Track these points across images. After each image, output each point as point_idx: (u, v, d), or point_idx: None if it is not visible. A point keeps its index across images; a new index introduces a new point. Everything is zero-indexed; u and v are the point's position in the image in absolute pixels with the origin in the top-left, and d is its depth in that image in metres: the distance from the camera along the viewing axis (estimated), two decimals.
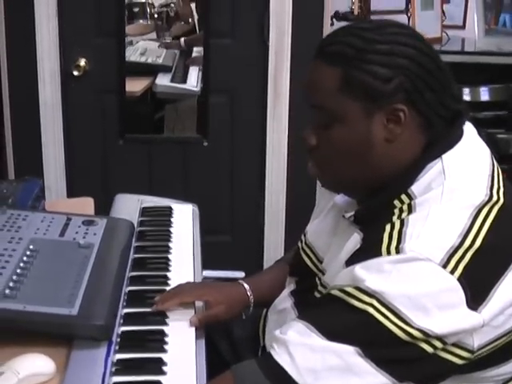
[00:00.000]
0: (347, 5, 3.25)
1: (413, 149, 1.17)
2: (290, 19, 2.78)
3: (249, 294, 1.47)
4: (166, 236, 1.71)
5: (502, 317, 1.08)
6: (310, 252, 1.38)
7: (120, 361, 1.21)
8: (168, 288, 1.45)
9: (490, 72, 3.11)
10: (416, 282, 1.04)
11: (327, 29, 2.78)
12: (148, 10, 3.08)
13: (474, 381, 1.16)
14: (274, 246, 3.03)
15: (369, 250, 1.11)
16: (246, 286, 1.48)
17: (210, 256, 1.75)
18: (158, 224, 1.79)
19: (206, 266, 1.66)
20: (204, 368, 1.22)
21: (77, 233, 1.53)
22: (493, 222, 1.10)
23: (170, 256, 1.61)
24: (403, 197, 1.15)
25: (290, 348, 1.08)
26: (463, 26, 3.48)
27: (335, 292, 1.10)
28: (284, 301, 1.40)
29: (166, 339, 1.28)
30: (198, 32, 3.08)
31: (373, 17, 3.17)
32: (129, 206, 1.86)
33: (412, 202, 1.14)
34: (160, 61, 3.09)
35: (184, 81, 3.08)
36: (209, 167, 2.98)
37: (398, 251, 1.07)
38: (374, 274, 1.06)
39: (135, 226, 1.71)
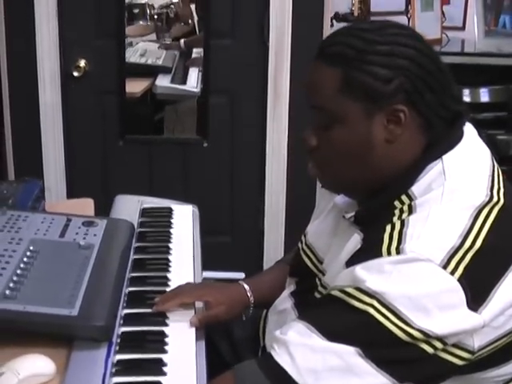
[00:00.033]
0: (347, 6, 3.25)
1: (413, 149, 1.17)
2: (290, 20, 2.78)
3: (249, 294, 1.47)
4: (166, 237, 1.71)
5: (502, 317, 1.08)
6: (310, 253, 1.38)
7: (120, 361, 1.21)
8: (168, 289, 1.45)
9: (490, 73, 3.11)
10: (416, 282, 1.04)
11: (327, 30, 2.78)
12: (148, 12, 3.08)
13: (474, 382, 1.16)
14: (273, 247, 3.03)
15: (369, 250, 1.11)
16: (246, 286, 1.48)
17: (209, 257, 1.74)
18: (158, 225, 1.78)
19: (205, 266, 1.66)
20: (204, 368, 1.22)
21: (77, 234, 1.53)
22: (493, 223, 1.10)
23: (170, 257, 1.61)
24: (403, 197, 1.15)
25: (290, 348, 1.08)
26: (463, 28, 3.48)
27: (335, 292, 1.10)
28: (284, 301, 1.40)
29: (166, 340, 1.27)
30: (198, 33, 3.08)
31: (373, 18, 3.17)
32: (129, 207, 1.86)
33: (412, 203, 1.14)
34: (160, 62, 3.09)
35: (184, 82, 3.08)
36: (209, 168, 2.98)
37: (398, 252, 1.07)
38: (375, 275, 1.06)
39: (135, 226, 1.71)
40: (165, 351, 1.24)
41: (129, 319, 1.34)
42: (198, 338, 1.31)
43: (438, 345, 1.04)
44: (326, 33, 2.75)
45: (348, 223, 1.24)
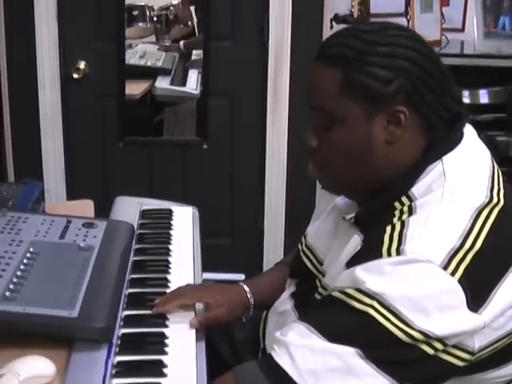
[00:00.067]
0: (347, 7, 3.25)
1: (413, 151, 1.17)
2: (290, 22, 2.78)
3: (249, 296, 1.47)
4: (166, 238, 1.71)
5: (502, 318, 1.08)
6: (311, 254, 1.38)
7: (120, 363, 1.21)
8: (168, 290, 1.45)
9: (490, 75, 3.11)
10: (417, 283, 1.04)
11: (327, 32, 2.78)
12: (147, 13, 3.08)
13: (474, 383, 1.16)
14: (273, 249, 3.03)
15: (369, 251, 1.11)
16: (246, 288, 1.48)
17: (209, 259, 1.74)
18: (157, 226, 1.78)
19: (205, 268, 1.65)
20: (204, 370, 1.21)
21: (77, 235, 1.53)
22: (493, 224, 1.10)
23: (170, 258, 1.61)
24: (404, 199, 1.15)
25: (290, 349, 1.08)
26: (462, 29, 3.48)
27: (336, 294, 1.10)
28: (284, 303, 1.40)
29: (167, 341, 1.27)
30: (197, 35, 3.08)
31: (372, 19, 3.17)
32: (129, 209, 1.86)
33: (412, 204, 1.14)
34: (159, 64, 3.09)
35: (183, 84, 3.08)
36: (208, 170, 2.98)
37: (398, 253, 1.07)
38: (375, 276, 1.06)
39: (135, 228, 1.71)
40: (165, 353, 1.24)
41: (129, 321, 1.34)
42: (198, 340, 1.31)
43: (439, 346, 1.04)
44: (325, 35, 2.75)
45: (348, 224, 1.24)
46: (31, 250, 1.42)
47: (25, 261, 1.38)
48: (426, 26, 3.16)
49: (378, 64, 1.12)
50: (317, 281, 1.32)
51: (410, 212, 1.13)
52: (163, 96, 3.10)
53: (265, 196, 2.98)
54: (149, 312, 1.37)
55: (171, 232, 1.75)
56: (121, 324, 1.32)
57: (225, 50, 2.86)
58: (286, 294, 1.42)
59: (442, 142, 1.18)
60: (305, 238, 1.43)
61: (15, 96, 2.81)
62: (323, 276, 1.30)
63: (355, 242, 1.19)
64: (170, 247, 1.67)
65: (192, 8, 3.12)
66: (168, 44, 3.13)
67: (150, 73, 3.08)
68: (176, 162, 2.97)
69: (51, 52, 2.78)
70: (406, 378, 1.06)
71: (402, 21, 3.16)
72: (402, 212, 1.14)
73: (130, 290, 1.45)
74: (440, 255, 1.05)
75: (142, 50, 3.09)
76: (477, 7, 3.34)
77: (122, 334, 1.29)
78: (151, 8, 3.09)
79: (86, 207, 1.91)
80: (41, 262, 1.39)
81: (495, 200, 1.13)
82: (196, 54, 3.06)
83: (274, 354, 1.10)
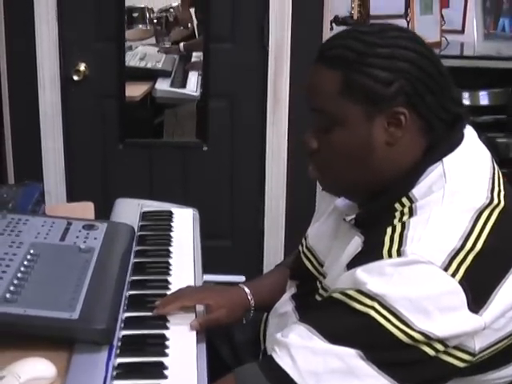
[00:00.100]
0: (347, 9, 3.26)
1: (413, 152, 1.17)
2: (290, 24, 2.79)
3: (249, 297, 1.46)
4: (167, 240, 1.71)
5: (503, 319, 1.08)
6: (311, 255, 1.38)
7: (121, 365, 1.21)
8: (169, 292, 1.45)
9: (489, 76, 3.12)
10: (417, 284, 1.04)
11: (327, 33, 2.79)
12: (147, 15, 3.09)
13: None
14: (273, 251, 3.03)
15: (370, 253, 1.11)
16: (246, 289, 1.47)
17: (210, 260, 1.74)
18: (158, 228, 1.78)
19: (206, 270, 1.65)
20: (205, 371, 1.21)
21: (77, 237, 1.53)
22: (494, 225, 1.10)
23: (170, 260, 1.61)
24: (404, 200, 1.15)
25: (291, 351, 1.08)
26: (462, 31, 3.49)
27: (337, 295, 1.10)
28: (285, 304, 1.40)
29: (167, 343, 1.27)
30: (197, 37, 3.09)
31: (372, 21, 3.17)
32: (129, 211, 1.86)
33: (413, 205, 1.14)
34: (159, 66, 3.10)
35: (183, 86, 3.09)
36: (209, 172, 2.98)
37: (399, 254, 1.07)
38: (376, 277, 1.06)
39: (135, 230, 1.71)
40: (165, 354, 1.24)
41: (129, 322, 1.34)
42: (198, 342, 1.31)
43: (439, 347, 1.04)
44: (325, 36, 2.75)
45: (349, 226, 1.24)
46: (31, 251, 1.42)
47: (25, 263, 1.38)
48: (426, 28, 3.16)
49: (378, 65, 1.12)
50: (317, 282, 1.32)
51: (411, 213, 1.14)
52: (163, 98, 3.10)
53: (265, 197, 2.98)
54: (149, 314, 1.36)
55: (171, 234, 1.75)
56: (121, 326, 1.32)
57: (225, 52, 2.86)
58: (286, 296, 1.42)
59: (443, 143, 1.18)
60: (305, 239, 1.43)
61: (15, 97, 2.81)
62: (324, 277, 1.30)
63: (356, 243, 1.19)
64: (171, 249, 1.67)
65: (192, 10, 3.13)
66: (168, 46, 3.14)
67: (150, 75, 3.09)
68: (176, 163, 2.97)
69: (51, 53, 2.78)
70: (407, 379, 1.06)
71: (402, 22, 3.17)
72: (402, 213, 1.14)
73: (131, 292, 1.45)
74: (441, 256, 1.05)
75: (142, 52, 3.09)
76: (476, 9, 3.34)
77: (123, 336, 1.29)
78: (151, 10, 3.09)
79: (86, 209, 1.91)
80: (41, 263, 1.39)
81: (496, 201, 1.13)
82: (196, 55, 3.06)
83: (274, 356, 1.10)
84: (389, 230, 1.12)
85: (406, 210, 1.14)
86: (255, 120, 2.92)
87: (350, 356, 1.05)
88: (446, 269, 1.04)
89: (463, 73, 2.34)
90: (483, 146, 1.24)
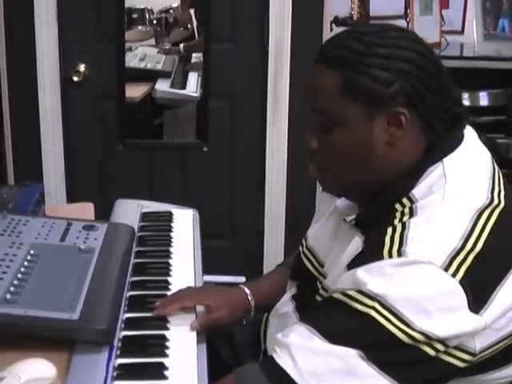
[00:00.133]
0: (346, 10, 3.26)
1: (414, 152, 1.17)
2: (290, 24, 2.79)
3: (250, 298, 1.46)
4: (167, 241, 1.71)
5: (503, 320, 1.08)
6: (311, 256, 1.38)
7: (121, 365, 1.21)
8: (169, 293, 1.45)
9: (489, 77, 3.11)
10: (418, 284, 1.04)
11: (327, 34, 2.79)
12: (147, 16, 3.09)
13: None
14: (273, 251, 3.03)
15: (370, 253, 1.11)
16: (246, 290, 1.47)
17: (210, 261, 1.74)
18: (158, 229, 1.78)
19: (206, 271, 1.65)
20: (205, 372, 1.21)
21: (77, 238, 1.53)
22: (494, 225, 1.10)
23: (170, 261, 1.61)
24: (404, 200, 1.15)
25: (292, 351, 1.08)
26: (462, 31, 3.49)
27: (337, 295, 1.10)
28: (285, 305, 1.40)
29: (168, 344, 1.27)
30: (197, 38, 3.09)
31: (372, 22, 3.17)
32: (129, 211, 1.86)
33: (413, 206, 1.14)
34: (159, 66, 3.10)
35: (183, 86, 3.09)
36: (209, 172, 2.98)
37: (399, 254, 1.07)
38: (376, 277, 1.06)
39: (136, 230, 1.71)
40: (166, 355, 1.24)
41: (130, 323, 1.34)
42: (199, 342, 1.31)
43: (440, 347, 1.04)
44: (325, 37, 2.75)
45: (349, 226, 1.24)
46: (32, 252, 1.42)
47: (25, 263, 1.38)
48: (426, 29, 3.17)
49: (379, 66, 1.13)
50: (318, 283, 1.32)
51: (411, 213, 1.14)
52: (163, 99, 3.10)
53: (265, 198, 2.98)
54: (149, 314, 1.36)
55: (172, 234, 1.75)
56: (122, 326, 1.32)
57: (225, 53, 2.86)
58: (287, 296, 1.42)
59: (443, 143, 1.18)
60: (305, 240, 1.43)
61: (15, 97, 2.81)
62: (324, 278, 1.30)
63: (356, 243, 1.19)
64: (171, 249, 1.67)
65: (192, 11, 3.12)
66: (168, 47, 3.14)
67: (149, 76, 3.09)
68: (176, 164, 2.97)
69: (51, 54, 2.78)
70: (408, 380, 1.06)
71: (402, 23, 3.17)
72: (402, 214, 1.15)
73: (131, 293, 1.45)
74: (441, 256, 1.05)
75: (142, 53, 3.09)
76: (476, 9, 3.34)
77: (123, 337, 1.29)
78: (151, 11, 3.09)
79: (86, 210, 1.91)
80: (41, 264, 1.39)
81: (496, 201, 1.13)
82: (196, 56, 3.06)
83: (275, 356, 1.10)
84: (389, 230, 1.12)
85: (406, 211, 1.14)
86: (255, 120, 2.92)
87: (350, 356, 1.05)
88: (446, 269, 1.04)
89: (463, 73, 2.33)
90: (483, 147, 1.24)
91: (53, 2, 2.73)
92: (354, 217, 1.23)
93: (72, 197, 2.91)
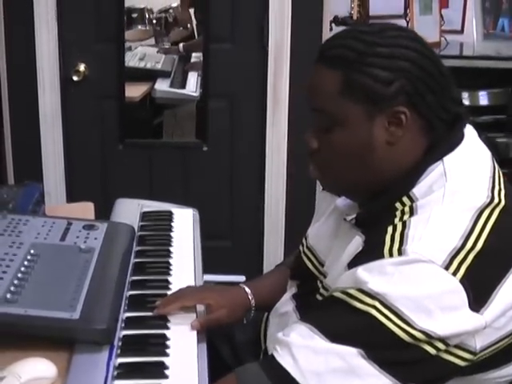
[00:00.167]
0: (346, 10, 3.26)
1: (414, 151, 1.17)
2: (290, 24, 2.78)
3: (250, 297, 1.46)
4: (167, 240, 1.71)
5: (503, 318, 1.09)
6: (312, 255, 1.38)
7: (122, 364, 1.21)
8: (169, 292, 1.45)
9: (489, 76, 3.11)
10: (418, 283, 1.04)
11: (326, 33, 2.79)
12: (147, 16, 3.09)
13: (475, 383, 1.16)
14: (273, 251, 3.03)
15: (371, 252, 1.11)
16: (247, 289, 1.47)
17: (210, 260, 1.74)
18: (158, 228, 1.78)
19: (206, 270, 1.65)
20: (206, 371, 1.21)
21: (77, 237, 1.53)
22: (494, 224, 1.10)
23: (170, 260, 1.61)
24: (405, 199, 1.16)
25: (292, 350, 1.08)
26: (461, 31, 3.49)
27: (338, 294, 1.10)
28: (285, 304, 1.40)
29: (168, 343, 1.27)
30: (197, 37, 3.09)
31: (371, 21, 3.17)
32: (129, 211, 1.86)
33: (414, 205, 1.14)
34: (159, 66, 3.09)
35: (183, 86, 3.09)
36: (208, 172, 2.98)
37: (400, 253, 1.07)
38: (377, 276, 1.06)
39: (136, 230, 1.71)
40: (166, 354, 1.24)
41: (130, 322, 1.34)
42: (199, 341, 1.31)
43: (441, 346, 1.05)
44: (325, 37, 2.75)
45: (349, 225, 1.24)
46: (32, 252, 1.42)
47: (26, 263, 1.38)
48: (425, 28, 3.16)
49: (379, 65, 1.12)
50: (318, 282, 1.32)
51: (411, 212, 1.14)
52: (163, 98, 3.10)
53: (265, 197, 2.98)
54: (150, 314, 1.36)
55: (172, 234, 1.75)
56: (122, 326, 1.32)
57: (224, 52, 2.86)
58: (287, 296, 1.42)
59: (443, 142, 1.18)
60: (305, 239, 1.43)
61: (15, 97, 2.81)
62: (324, 277, 1.30)
63: (356, 242, 1.19)
64: (171, 249, 1.67)
65: (191, 10, 3.12)
66: (167, 46, 3.14)
67: (149, 75, 3.08)
68: (176, 164, 2.97)
69: (51, 54, 2.78)
70: (409, 378, 1.06)
71: (402, 23, 3.17)
72: (403, 212, 1.15)
73: (131, 292, 1.45)
74: (441, 255, 1.05)
75: (142, 53, 3.09)
76: (476, 9, 3.34)
77: (124, 336, 1.29)
78: (150, 10, 3.09)
79: (86, 209, 1.91)
80: (42, 264, 1.39)
81: (496, 200, 1.14)
82: (195, 56, 3.06)
83: (276, 355, 1.10)
84: (389, 229, 1.12)
85: (406, 210, 1.15)
86: (255, 120, 2.92)
87: (351, 355, 1.05)
88: (446, 268, 1.04)
89: (462, 73, 2.34)
90: (483, 145, 1.24)
91: (52, 1, 2.73)
92: (354, 216, 1.23)
93: (72, 197, 2.91)
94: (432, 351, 1.05)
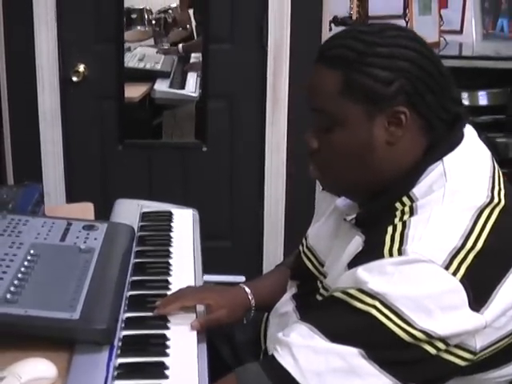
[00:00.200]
0: (345, 10, 3.25)
1: (414, 151, 1.17)
2: (289, 24, 2.79)
3: (250, 297, 1.46)
4: (167, 241, 1.71)
5: (503, 318, 1.09)
6: (312, 255, 1.38)
7: (122, 365, 1.21)
8: (169, 292, 1.45)
9: (488, 76, 3.11)
10: (418, 283, 1.04)
11: (326, 34, 2.79)
12: (146, 17, 3.09)
13: (476, 382, 1.16)
14: (273, 251, 3.03)
15: (371, 252, 1.11)
16: (247, 289, 1.47)
17: (210, 261, 1.74)
18: (158, 229, 1.78)
19: (206, 270, 1.65)
20: (206, 371, 1.21)
21: (77, 237, 1.53)
22: (494, 224, 1.10)
23: (170, 260, 1.61)
24: (405, 199, 1.16)
25: (293, 350, 1.08)
26: (461, 31, 3.48)
27: (338, 294, 1.10)
28: (285, 304, 1.40)
29: (168, 343, 1.27)
30: (196, 38, 3.09)
31: (371, 22, 3.17)
32: (129, 211, 1.86)
33: (413, 205, 1.14)
34: (158, 67, 3.10)
35: (182, 87, 3.09)
36: (208, 172, 2.98)
37: (400, 253, 1.07)
38: (377, 276, 1.06)
39: (135, 230, 1.71)
40: (166, 354, 1.24)
41: (130, 323, 1.34)
42: (199, 341, 1.31)
43: (441, 345, 1.05)
44: (324, 37, 2.75)
45: (349, 225, 1.24)
46: (32, 252, 1.42)
47: (25, 263, 1.38)
48: (425, 28, 3.16)
49: (379, 65, 1.13)
50: (318, 282, 1.32)
51: (411, 212, 1.14)
52: (162, 99, 3.10)
53: (264, 198, 2.98)
54: (150, 314, 1.36)
55: (171, 234, 1.75)
56: (122, 326, 1.32)
57: (224, 53, 2.86)
58: (287, 296, 1.42)
59: (443, 142, 1.18)
60: (305, 239, 1.43)
61: (14, 97, 2.81)
62: (324, 277, 1.30)
63: (356, 242, 1.19)
64: (171, 249, 1.67)
65: (190, 11, 3.13)
66: (167, 47, 3.14)
67: (148, 76, 3.09)
68: (176, 164, 2.97)
69: (50, 54, 2.78)
70: (409, 378, 1.06)
71: (401, 23, 3.16)
72: (403, 212, 1.15)
73: (131, 292, 1.45)
74: (441, 255, 1.05)
75: (141, 53, 3.09)
76: (475, 9, 3.34)
77: (124, 336, 1.29)
78: (150, 11, 3.09)
79: (85, 210, 1.91)
80: (42, 264, 1.39)
81: (496, 200, 1.14)
82: (195, 56, 3.07)
83: (276, 355, 1.10)
84: (389, 229, 1.12)
85: (406, 209, 1.15)
86: (254, 120, 2.92)
87: (351, 355, 1.05)
88: (446, 267, 1.04)
89: (462, 73, 2.34)
90: (483, 145, 1.24)
91: (52, 2, 2.73)
92: (354, 216, 1.23)
93: (71, 197, 2.91)
94: (432, 351, 1.05)
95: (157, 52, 3.13)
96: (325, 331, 1.07)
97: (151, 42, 3.16)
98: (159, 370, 1.19)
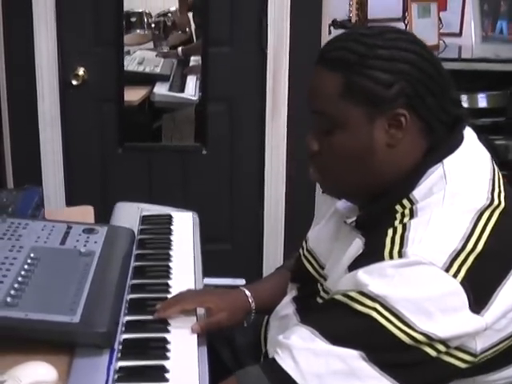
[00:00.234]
0: (345, 13, 3.26)
1: (414, 154, 1.17)
2: (288, 27, 2.79)
3: (250, 300, 1.46)
4: (167, 244, 1.71)
5: (504, 320, 1.09)
6: (312, 258, 1.38)
7: (122, 368, 1.20)
8: (169, 295, 1.45)
9: (488, 79, 3.12)
10: (419, 285, 1.04)
11: (325, 37, 2.79)
12: (145, 20, 3.10)
13: None
14: (273, 254, 3.03)
15: (371, 254, 1.11)
16: (247, 292, 1.47)
17: (210, 264, 1.74)
18: (158, 232, 1.78)
19: (206, 273, 1.65)
20: (206, 375, 1.21)
21: (77, 241, 1.53)
22: (494, 226, 1.10)
23: (170, 264, 1.61)
24: (405, 201, 1.16)
25: (293, 352, 1.08)
26: (460, 34, 3.49)
27: (338, 297, 1.10)
28: (286, 307, 1.40)
29: (168, 346, 1.27)
30: (195, 41, 3.09)
31: (370, 25, 3.17)
32: (129, 215, 1.86)
33: (414, 207, 1.14)
34: (158, 70, 3.10)
35: (182, 90, 3.09)
36: (208, 175, 2.98)
37: (400, 255, 1.07)
38: (377, 279, 1.06)
39: (135, 234, 1.71)
40: (167, 358, 1.24)
41: (130, 326, 1.34)
42: (199, 345, 1.31)
43: (441, 348, 1.05)
44: (323, 40, 2.75)
45: (349, 228, 1.24)
46: (32, 255, 1.42)
47: (26, 267, 1.38)
48: (424, 31, 3.16)
49: (379, 67, 1.13)
50: (318, 285, 1.32)
51: (412, 215, 1.14)
52: (162, 102, 3.10)
53: (264, 200, 2.98)
54: (150, 317, 1.36)
55: (171, 237, 1.75)
56: (122, 329, 1.32)
57: (223, 56, 2.86)
58: (287, 299, 1.42)
59: (443, 144, 1.18)
60: (306, 242, 1.43)
61: (14, 101, 2.81)
62: (325, 280, 1.30)
63: (357, 245, 1.19)
64: (171, 253, 1.67)
65: (190, 14, 3.13)
66: (166, 50, 3.15)
67: (148, 79, 3.09)
68: (176, 167, 2.97)
69: (50, 59, 2.78)
70: (409, 380, 1.06)
71: (400, 26, 3.17)
72: (403, 215, 1.15)
73: (131, 296, 1.45)
74: (442, 257, 1.05)
75: (141, 57, 3.10)
76: (474, 12, 3.34)
77: (124, 340, 1.29)
78: (149, 15, 3.10)
79: (85, 213, 1.91)
80: (42, 267, 1.39)
81: (496, 202, 1.14)
82: (194, 59, 3.07)
83: (277, 358, 1.10)
84: (390, 231, 1.12)
85: (406, 212, 1.15)
86: (254, 123, 2.92)
87: (352, 357, 1.05)
88: (447, 270, 1.05)
89: (461, 75, 2.34)
90: (483, 148, 1.24)
91: (51, 5, 2.73)
92: (354, 219, 1.23)
93: (71, 201, 2.91)
94: (433, 353, 1.05)
95: (156, 55, 3.13)
96: (325, 334, 1.07)
97: (151, 45, 3.17)
98: (159, 374, 1.19)
